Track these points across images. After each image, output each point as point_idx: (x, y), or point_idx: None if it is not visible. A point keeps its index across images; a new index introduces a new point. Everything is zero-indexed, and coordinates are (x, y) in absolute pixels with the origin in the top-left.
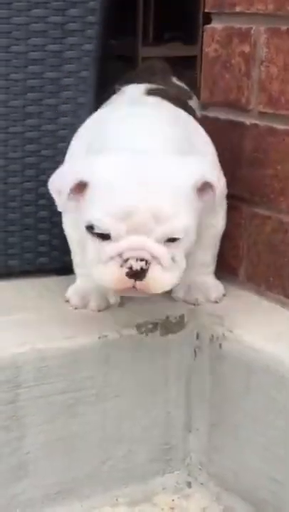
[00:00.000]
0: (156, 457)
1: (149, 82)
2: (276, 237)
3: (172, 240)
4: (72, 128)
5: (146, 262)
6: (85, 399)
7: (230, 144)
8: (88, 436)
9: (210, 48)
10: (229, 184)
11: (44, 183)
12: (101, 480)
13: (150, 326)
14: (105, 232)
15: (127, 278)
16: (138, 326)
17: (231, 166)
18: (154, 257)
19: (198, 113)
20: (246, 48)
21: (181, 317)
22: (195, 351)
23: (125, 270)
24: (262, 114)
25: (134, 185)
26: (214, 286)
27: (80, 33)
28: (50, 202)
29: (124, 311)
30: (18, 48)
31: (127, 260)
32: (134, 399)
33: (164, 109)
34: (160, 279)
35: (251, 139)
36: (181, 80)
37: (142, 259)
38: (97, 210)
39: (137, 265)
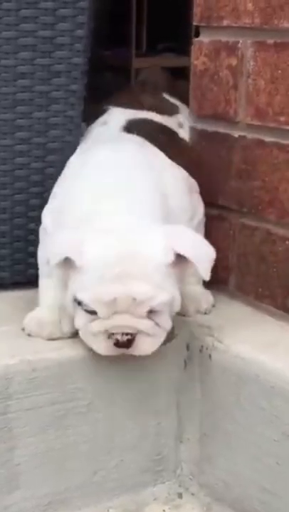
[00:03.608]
0: (148, 468)
1: (138, 101)
2: (265, 247)
3: (152, 312)
4: (62, 141)
5: (132, 334)
6: (75, 410)
7: (218, 156)
8: (79, 447)
9: (198, 61)
10: (218, 195)
11: (34, 196)
12: (92, 491)
13: None
14: (92, 310)
15: (115, 348)
16: None
17: (220, 177)
18: (139, 330)
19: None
20: (234, 61)
21: (171, 328)
22: (185, 362)
23: (112, 342)
24: (250, 126)
25: (115, 274)
26: (204, 297)
27: (68, 46)
28: (40, 214)
29: None
30: (7, 62)
31: (113, 334)
32: (124, 410)
33: (137, 162)
34: (146, 345)
35: (239, 151)
36: (176, 92)
37: (127, 334)
38: (85, 292)
39: (123, 338)
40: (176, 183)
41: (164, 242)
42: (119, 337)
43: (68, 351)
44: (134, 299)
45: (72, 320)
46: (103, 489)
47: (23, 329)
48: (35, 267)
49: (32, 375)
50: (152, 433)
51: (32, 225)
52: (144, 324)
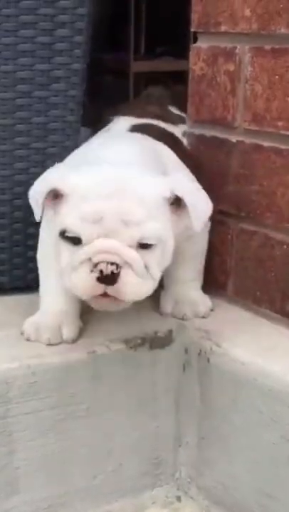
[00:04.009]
0: (147, 471)
1: (144, 110)
2: (263, 252)
3: (144, 246)
4: (61, 146)
5: (118, 266)
6: (74, 414)
7: (216, 161)
8: (78, 451)
9: (196, 67)
10: (216, 200)
11: None
12: (92, 494)
13: (139, 341)
14: (77, 235)
15: (97, 283)
16: (127, 341)
17: (218, 182)
18: (126, 262)
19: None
20: (231, 67)
21: (170, 332)
22: (184, 366)
23: (96, 275)
24: (248, 131)
25: (105, 192)
26: (202, 301)
27: (67, 52)
28: None
29: (113, 326)
30: (7, 68)
31: (97, 265)
32: (123, 413)
33: (141, 142)
34: (132, 284)
35: (237, 156)
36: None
37: (112, 263)
38: (69, 215)
39: (107, 269)
40: (179, 168)
41: (165, 180)
42: (103, 266)
43: (68, 356)
44: (124, 220)
45: (74, 326)
46: (102, 493)
47: (22, 333)
48: (35, 271)
49: (32, 380)
50: (151, 436)
51: (31, 230)
52: (133, 255)
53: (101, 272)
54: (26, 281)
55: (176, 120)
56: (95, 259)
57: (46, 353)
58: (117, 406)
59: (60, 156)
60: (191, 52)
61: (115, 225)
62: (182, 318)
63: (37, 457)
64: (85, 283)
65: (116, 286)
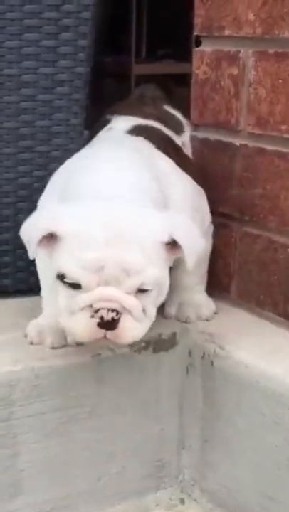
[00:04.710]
0: (150, 474)
1: (141, 111)
2: (266, 255)
3: (143, 291)
4: (64, 149)
5: (117, 312)
6: (78, 416)
7: (220, 164)
8: (82, 453)
9: (199, 70)
10: (220, 203)
11: (37, 203)
12: (95, 497)
13: (143, 344)
14: (76, 282)
15: (97, 328)
16: (131, 344)
17: (221, 185)
18: (125, 309)
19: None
20: (235, 71)
21: (173, 335)
22: (187, 368)
23: (96, 321)
24: (251, 135)
25: (105, 239)
26: (205, 305)
27: (71, 56)
28: None
29: None
30: (11, 71)
31: (97, 311)
32: (127, 416)
33: (141, 158)
34: (131, 329)
35: (241, 159)
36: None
37: (112, 310)
38: (67, 260)
39: (108, 316)
40: (179, 186)
41: (162, 222)
42: (104, 313)
43: (71, 358)
44: (125, 269)
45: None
46: (106, 495)
47: (25, 336)
48: (38, 274)
49: (35, 382)
50: (154, 439)
51: None
52: (132, 302)
53: (102, 318)
54: (29, 284)
55: (171, 121)
56: (96, 306)
57: (50, 356)
58: (121, 409)
59: (64, 159)
60: (194, 56)
61: (116, 273)
62: (186, 321)
63: (40, 459)
64: (85, 328)
65: (115, 331)
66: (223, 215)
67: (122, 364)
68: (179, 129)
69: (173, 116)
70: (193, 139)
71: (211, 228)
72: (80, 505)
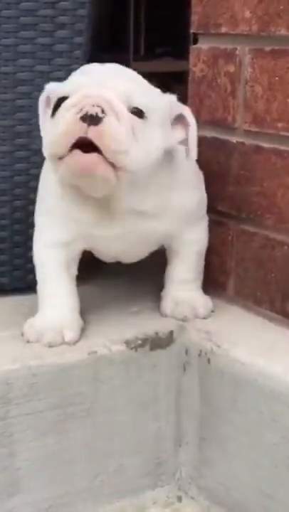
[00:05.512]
0: (147, 471)
1: None
2: (263, 253)
3: (134, 112)
4: None
5: (103, 111)
6: (75, 414)
7: (217, 162)
8: (79, 451)
9: (196, 68)
10: (216, 201)
11: (33, 202)
12: (93, 495)
13: (139, 342)
14: (70, 93)
15: (80, 122)
16: (127, 342)
17: (218, 183)
18: (112, 110)
19: None
20: (231, 68)
21: (170, 333)
22: (184, 366)
23: (80, 115)
24: (248, 133)
25: (102, 75)
26: (202, 302)
27: (67, 54)
28: None
29: (114, 327)
30: (7, 69)
31: (83, 109)
32: (124, 414)
33: None
34: (115, 130)
35: (238, 157)
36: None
37: (98, 106)
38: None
39: (92, 110)
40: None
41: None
42: (88, 107)
43: (68, 356)
44: (115, 85)
45: (75, 328)
46: (103, 493)
47: (22, 335)
48: (35, 272)
49: (32, 380)
50: (152, 437)
51: (31, 231)
52: (121, 106)
53: (86, 112)
54: (27, 282)
55: None
56: (82, 104)
57: (47, 354)
58: (118, 407)
59: None
60: (191, 54)
61: (104, 79)
62: (182, 319)
63: (38, 458)
64: (68, 123)
65: (98, 127)
66: (220, 213)
67: (118, 362)
68: None
69: None
70: None
71: (207, 220)
72: (78, 503)
